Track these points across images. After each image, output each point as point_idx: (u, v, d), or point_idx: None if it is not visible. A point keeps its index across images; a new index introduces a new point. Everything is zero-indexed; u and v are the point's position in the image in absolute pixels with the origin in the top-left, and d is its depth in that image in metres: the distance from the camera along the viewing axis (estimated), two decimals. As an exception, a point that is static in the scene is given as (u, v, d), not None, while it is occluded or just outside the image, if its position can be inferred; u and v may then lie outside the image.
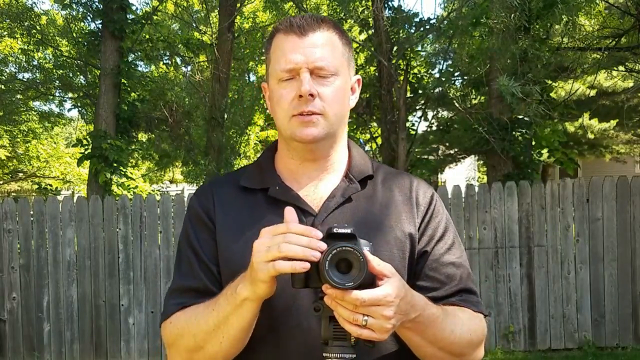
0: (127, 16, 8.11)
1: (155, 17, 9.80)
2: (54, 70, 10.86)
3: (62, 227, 5.00)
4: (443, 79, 7.11)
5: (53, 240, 4.99)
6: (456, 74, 7.79)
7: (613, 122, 12.92)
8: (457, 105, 6.90)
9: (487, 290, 4.98)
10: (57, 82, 10.90)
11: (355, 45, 8.44)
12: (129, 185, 7.68)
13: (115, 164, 7.43)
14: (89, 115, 10.66)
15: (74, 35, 9.89)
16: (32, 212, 5.00)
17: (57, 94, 11.94)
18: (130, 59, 8.61)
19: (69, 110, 17.16)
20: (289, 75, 1.10)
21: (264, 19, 12.67)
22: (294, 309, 1.07)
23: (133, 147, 8.66)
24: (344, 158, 1.21)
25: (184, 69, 12.21)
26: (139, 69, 9.94)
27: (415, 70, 8.25)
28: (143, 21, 8.73)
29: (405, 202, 1.18)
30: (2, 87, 10.85)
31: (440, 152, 12.32)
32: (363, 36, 9.23)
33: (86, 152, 7.67)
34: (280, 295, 1.07)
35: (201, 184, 8.51)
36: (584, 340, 4.96)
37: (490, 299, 4.98)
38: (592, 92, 11.63)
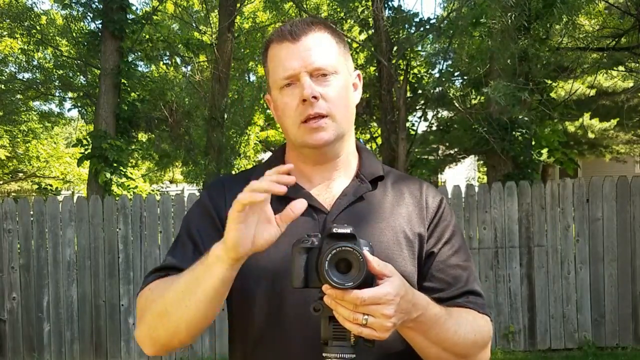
0: (127, 16, 8.12)
1: (155, 17, 9.80)
2: (54, 70, 10.87)
3: (62, 227, 5.00)
4: (443, 79, 7.12)
5: (53, 240, 4.99)
6: (456, 74, 7.80)
7: (613, 122, 12.90)
8: (457, 105, 6.89)
9: (487, 290, 4.96)
10: (57, 82, 10.93)
11: (355, 45, 8.44)
12: (129, 185, 7.68)
13: (115, 164, 7.44)
14: (89, 115, 10.66)
15: (74, 35, 9.90)
16: (32, 212, 5.00)
17: (57, 94, 11.96)
18: (130, 59, 8.63)
19: (69, 110, 17.21)
20: (289, 82, 1.11)
21: (264, 19, 12.65)
22: (293, 309, 1.07)
23: (133, 147, 8.66)
24: (354, 156, 1.22)
25: (184, 69, 12.23)
26: (139, 69, 9.96)
27: (415, 70, 8.25)
28: (143, 21, 8.73)
29: (416, 203, 1.19)
30: (2, 87, 10.86)
31: (440, 152, 12.30)
32: (363, 36, 9.23)
33: (86, 152, 7.68)
34: (279, 295, 1.06)
35: (201, 184, 8.51)
36: (584, 340, 4.95)
37: (490, 299, 4.97)
38: (592, 92, 11.63)
